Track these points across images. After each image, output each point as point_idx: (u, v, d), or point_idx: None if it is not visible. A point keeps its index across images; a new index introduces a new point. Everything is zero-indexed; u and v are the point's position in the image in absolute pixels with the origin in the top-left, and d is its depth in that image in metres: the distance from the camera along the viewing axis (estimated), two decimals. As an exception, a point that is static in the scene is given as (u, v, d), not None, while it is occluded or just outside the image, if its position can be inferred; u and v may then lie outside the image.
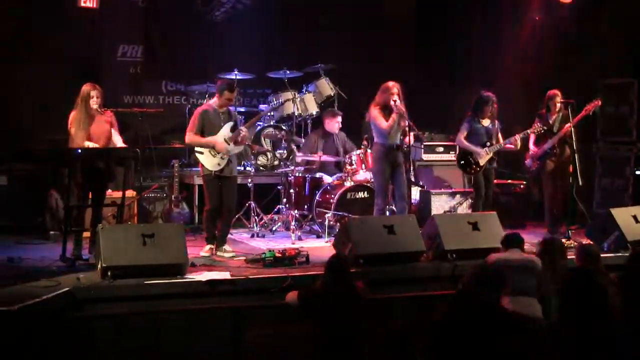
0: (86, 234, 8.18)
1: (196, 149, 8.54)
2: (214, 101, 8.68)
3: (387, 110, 9.02)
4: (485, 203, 9.65)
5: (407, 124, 9.00)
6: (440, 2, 11.93)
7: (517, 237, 7.06)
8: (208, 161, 8.46)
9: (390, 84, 9.04)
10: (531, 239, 9.24)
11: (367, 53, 12.33)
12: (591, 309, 5.17)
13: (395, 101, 8.90)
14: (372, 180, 10.06)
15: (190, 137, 8.50)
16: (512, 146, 9.67)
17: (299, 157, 10.35)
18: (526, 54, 11.70)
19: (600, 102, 9.76)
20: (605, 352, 5.02)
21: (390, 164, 9.09)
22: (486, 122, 9.66)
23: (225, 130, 8.50)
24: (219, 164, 8.46)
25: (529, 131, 9.65)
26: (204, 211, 8.74)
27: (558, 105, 9.78)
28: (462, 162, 9.73)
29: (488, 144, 9.58)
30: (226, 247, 8.58)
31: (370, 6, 12.29)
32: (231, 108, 8.88)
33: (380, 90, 9.13)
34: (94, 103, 7.96)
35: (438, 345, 5.13)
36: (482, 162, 9.58)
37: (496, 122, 9.74)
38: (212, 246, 8.56)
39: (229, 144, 8.47)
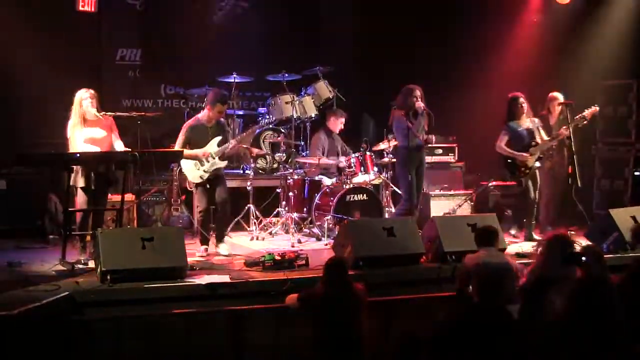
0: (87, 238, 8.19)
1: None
2: (203, 114, 8.80)
3: (410, 113, 9.10)
4: (533, 204, 9.55)
5: (431, 124, 9.23)
6: (439, 4, 11.93)
7: (492, 233, 6.98)
8: (191, 173, 8.70)
9: (412, 86, 9.21)
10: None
11: (365, 55, 12.33)
12: (597, 310, 5.20)
13: (420, 105, 9.08)
14: (374, 182, 10.11)
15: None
16: (555, 142, 9.55)
17: (301, 159, 10.42)
18: (525, 55, 11.70)
19: (598, 109, 9.68)
20: (608, 351, 5.04)
21: (414, 165, 9.25)
22: (525, 123, 9.51)
23: (212, 146, 8.66)
24: (200, 177, 8.67)
25: (572, 124, 9.50)
26: (197, 213, 8.82)
27: (558, 107, 9.78)
28: (509, 167, 9.55)
29: (533, 143, 9.41)
30: (224, 244, 8.65)
31: (369, 7, 12.29)
32: (222, 120, 9.01)
33: (401, 94, 9.28)
34: (88, 106, 7.98)
35: (440, 347, 5.15)
36: (529, 163, 9.41)
37: (535, 120, 9.59)
38: (207, 247, 8.69)
39: (214, 158, 8.63)
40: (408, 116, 9.15)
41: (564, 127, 9.38)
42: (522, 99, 9.50)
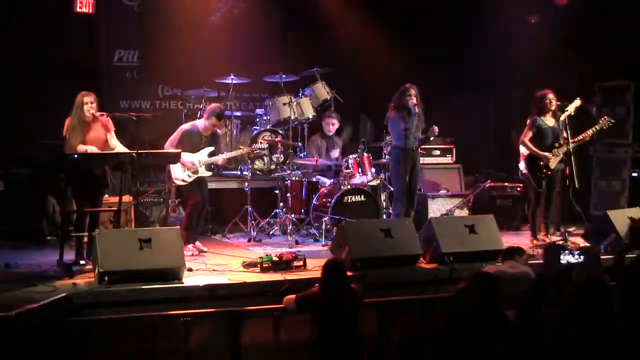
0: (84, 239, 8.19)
1: None
2: (200, 122, 9.04)
3: (405, 112, 9.09)
4: (549, 208, 9.40)
5: (423, 125, 9.21)
6: (438, 4, 11.94)
7: (513, 250, 7.07)
8: (177, 173, 8.92)
9: (407, 85, 9.16)
10: (525, 242, 9.29)
11: (363, 56, 12.33)
12: (595, 311, 5.21)
13: (414, 103, 9.03)
14: (371, 183, 10.11)
15: (167, 147, 8.87)
16: (584, 137, 9.36)
17: (299, 160, 10.43)
18: (523, 56, 11.71)
19: (580, 102, 9.53)
20: (605, 352, 5.05)
21: (409, 166, 9.18)
22: (551, 122, 9.28)
23: (203, 154, 8.91)
24: (184, 180, 8.91)
25: (597, 127, 9.38)
26: (188, 207, 8.98)
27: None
28: (531, 166, 9.29)
29: (556, 144, 9.20)
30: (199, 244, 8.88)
31: (367, 8, 12.30)
32: (218, 131, 9.30)
33: (397, 93, 9.22)
34: (88, 110, 7.99)
35: (439, 347, 5.16)
36: (552, 164, 9.17)
37: (561, 120, 9.33)
38: (199, 243, 8.91)
39: (200, 167, 8.87)
40: (403, 116, 9.11)
41: (588, 128, 9.32)
42: (551, 96, 9.28)
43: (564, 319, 5.41)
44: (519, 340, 5.39)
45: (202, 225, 9.43)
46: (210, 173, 9.13)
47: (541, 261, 7.68)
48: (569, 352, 5.18)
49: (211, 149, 8.96)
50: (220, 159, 9.04)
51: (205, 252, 8.86)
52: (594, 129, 9.39)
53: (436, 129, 9.26)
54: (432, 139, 9.56)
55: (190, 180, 8.90)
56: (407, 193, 9.24)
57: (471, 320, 5.46)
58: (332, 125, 10.69)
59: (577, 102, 9.38)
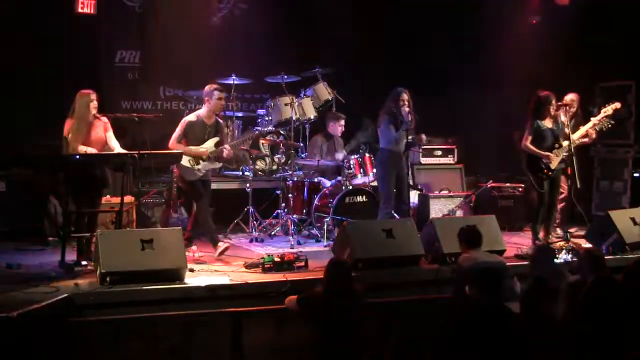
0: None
1: None
2: (203, 111, 8.74)
3: (396, 117, 9.10)
4: (551, 208, 9.35)
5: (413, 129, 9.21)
6: (438, 5, 11.94)
7: (478, 235, 7.02)
8: (185, 170, 8.64)
9: (399, 89, 9.16)
10: (527, 242, 9.28)
11: (365, 56, 12.33)
12: (599, 312, 5.23)
13: (406, 109, 9.02)
14: (373, 184, 10.11)
15: (172, 144, 8.61)
16: (587, 140, 9.42)
17: (300, 161, 10.41)
18: (524, 56, 11.71)
19: (619, 105, 9.49)
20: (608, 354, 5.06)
21: (396, 170, 9.25)
22: (549, 124, 9.24)
23: (209, 145, 8.64)
24: (194, 175, 8.62)
25: (597, 127, 9.39)
26: (197, 208, 8.73)
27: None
28: (532, 167, 9.23)
29: (557, 145, 9.15)
30: (221, 243, 8.66)
31: (368, 9, 12.30)
32: (221, 121, 9.00)
33: (389, 97, 9.22)
34: (94, 107, 7.99)
35: (445, 348, 5.17)
36: (553, 165, 9.13)
37: (560, 122, 9.34)
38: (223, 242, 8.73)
39: (209, 158, 8.62)
40: (395, 122, 9.16)
41: (589, 128, 9.33)
42: (553, 100, 9.22)
43: (566, 319, 5.42)
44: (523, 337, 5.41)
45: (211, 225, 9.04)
46: (220, 164, 8.86)
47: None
48: (571, 353, 5.19)
49: (217, 139, 8.68)
50: (225, 150, 8.67)
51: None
52: (595, 130, 9.39)
53: (424, 137, 9.28)
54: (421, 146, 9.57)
55: (199, 175, 8.61)
56: (397, 196, 9.33)
57: (477, 318, 5.46)
58: (340, 125, 10.66)
59: (617, 105, 9.42)
